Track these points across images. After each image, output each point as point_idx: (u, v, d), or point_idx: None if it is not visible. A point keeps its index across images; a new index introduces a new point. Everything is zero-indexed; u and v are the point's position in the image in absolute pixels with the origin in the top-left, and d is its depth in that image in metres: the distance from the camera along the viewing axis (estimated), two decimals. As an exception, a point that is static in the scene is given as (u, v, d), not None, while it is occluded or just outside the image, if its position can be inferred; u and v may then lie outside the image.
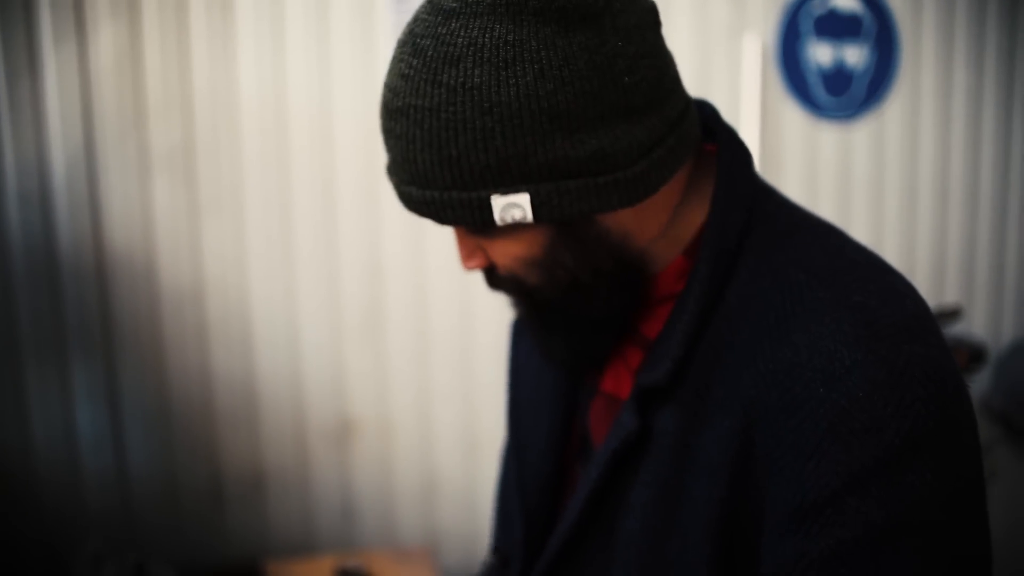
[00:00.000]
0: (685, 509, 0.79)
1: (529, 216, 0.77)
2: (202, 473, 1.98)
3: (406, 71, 0.79)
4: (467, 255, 0.87)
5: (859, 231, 2.34)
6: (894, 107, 2.32)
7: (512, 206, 0.77)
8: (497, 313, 2.05)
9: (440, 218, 0.79)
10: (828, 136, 2.29)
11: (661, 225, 0.85)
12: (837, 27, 2.27)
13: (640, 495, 0.82)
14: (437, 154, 0.77)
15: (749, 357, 0.77)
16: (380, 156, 1.99)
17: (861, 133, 2.31)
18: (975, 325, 2.44)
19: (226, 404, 1.98)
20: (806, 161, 2.28)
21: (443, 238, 2.04)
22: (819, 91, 2.27)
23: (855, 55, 2.28)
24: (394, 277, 2.03)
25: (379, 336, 2.04)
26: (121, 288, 1.89)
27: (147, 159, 1.88)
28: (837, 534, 0.71)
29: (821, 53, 2.26)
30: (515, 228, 0.80)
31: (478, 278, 2.05)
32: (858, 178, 2.32)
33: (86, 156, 1.85)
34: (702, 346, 0.80)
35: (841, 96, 2.28)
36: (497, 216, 0.77)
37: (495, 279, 0.88)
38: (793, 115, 2.25)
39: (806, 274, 0.79)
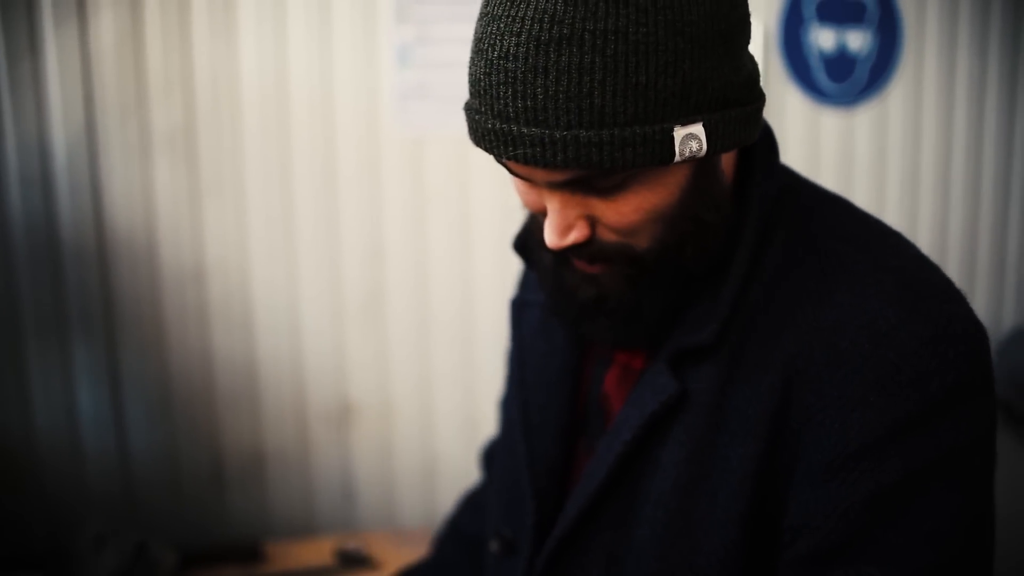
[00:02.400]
0: (716, 468, 0.81)
1: (704, 147, 0.73)
2: (203, 454, 1.99)
3: None
4: (566, 227, 0.78)
5: (860, 217, 2.34)
6: (897, 93, 2.32)
7: (690, 137, 0.73)
8: (498, 296, 2.05)
9: (615, 160, 0.71)
10: (830, 122, 2.28)
11: (731, 177, 0.86)
12: (840, 12, 2.26)
13: (672, 454, 0.83)
14: (623, 82, 0.69)
15: (788, 318, 0.80)
16: (382, 138, 1.99)
17: (863, 119, 2.30)
18: (976, 312, 2.43)
19: (227, 386, 1.98)
20: (808, 147, 2.27)
21: (445, 220, 2.04)
22: (821, 76, 2.26)
23: (858, 40, 2.28)
24: (395, 259, 2.04)
25: (380, 319, 2.05)
26: (122, 269, 1.90)
27: (148, 140, 1.88)
28: (877, 479, 0.75)
29: (823, 38, 2.25)
30: (656, 174, 0.75)
31: (479, 261, 2.05)
32: (860, 164, 2.32)
33: (87, 137, 1.85)
34: (739, 309, 0.83)
35: (843, 82, 2.28)
36: (677, 150, 0.72)
37: (593, 251, 0.81)
38: (795, 100, 2.24)
39: (843, 243, 0.82)
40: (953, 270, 2.43)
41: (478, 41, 0.75)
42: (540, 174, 0.76)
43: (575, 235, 0.78)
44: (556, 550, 0.91)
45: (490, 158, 2.16)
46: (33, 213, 1.83)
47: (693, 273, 0.83)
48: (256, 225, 1.96)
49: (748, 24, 0.78)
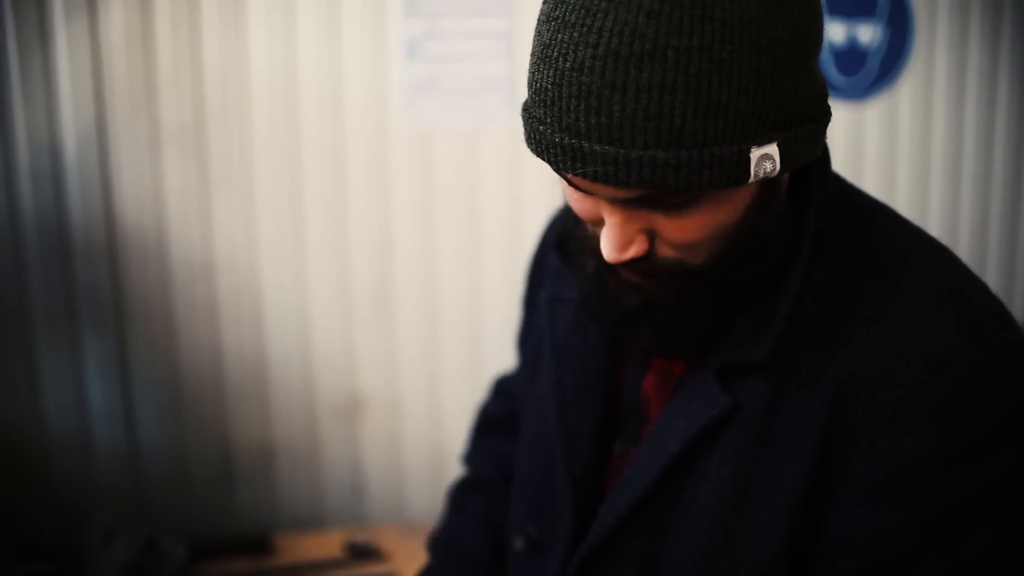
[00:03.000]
0: (763, 483, 0.80)
1: (778, 167, 0.71)
2: (212, 448, 1.99)
3: (654, 7, 0.65)
4: (626, 243, 0.75)
5: (870, 211, 2.33)
6: (907, 86, 2.30)
7: (766, 158, 0.70)
8: (507, 291, 2.05)
9: (690, 181, 0.68)
10: (840, 115, 2.27)
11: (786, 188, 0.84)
12: (850, 5, 2.25)
13: (719, 468, 0.82)
14: (705, 101, 0.66)
15: (842, 336, 0.78)
16: (392, 133, 1.99)
17: (873, 112, 2.29)
18: (986, 306, 2.43)
19: (236, 380, 1.99)
20: (818, 140, 2.26)
21: (454, 216, 2.04)
22: (831, 70, 2.25)
23: (868, 33, 2.26)
24: (404, 254, 2.04)
25: (389, 314, 2.05)
26: (132, 264, 1.90)
27: (158, 135, 1.89)
28: (927, 505, 0.73)
29: (834, 31, 2.24)
30: (725, 193, 0.73)
31: (488, 255, 2.05)
32: (870, 157, 2.31)
33: (97, 133, 1.85)
34: (792, 324, 0.81)
35: (854, 75, 2.27)
36: (752, 171, 0.69)
37: (648, 267, 0.78)
38: (805, 94, 2.23)
39: (897, 258, 0.80)
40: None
41: (546, 47, 0.70)
42: (605, 191, 0.73)
43: (635, 250, 0.75)
44: (590, 555, 0.90)
45: (505, 154, 2.15)
46: (43, 208, 1.84)
47: (746, 286, 0.81)
48: (265, 220, 1.96)
49: (822, 36, 0.75)
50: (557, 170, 0.73)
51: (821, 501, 0.78)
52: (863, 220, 0.85)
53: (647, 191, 0.71)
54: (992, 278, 2.44)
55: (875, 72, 2.28)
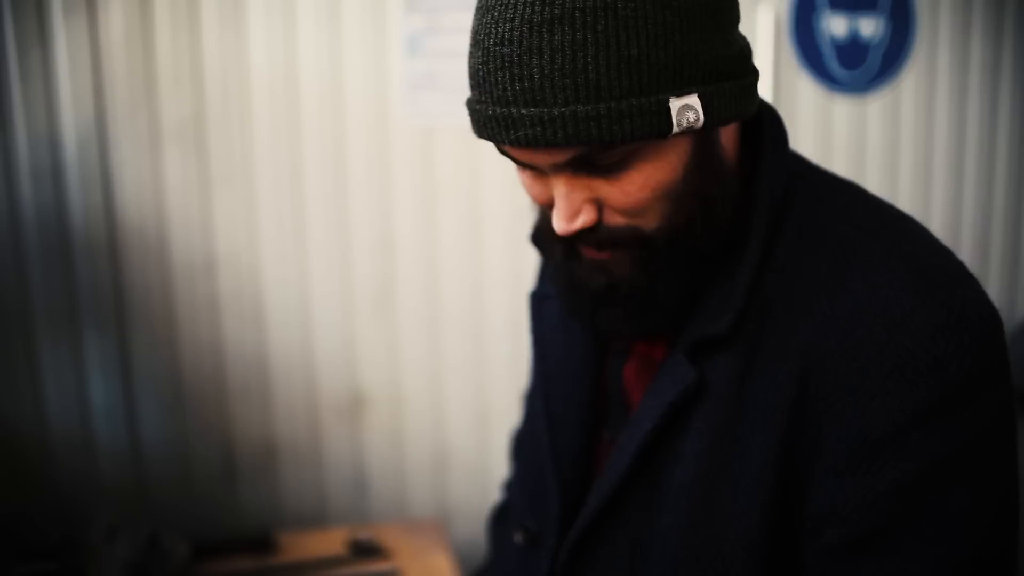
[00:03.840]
0: (737, 457, 0.81)
1: (702, 118, 0.74)
2: (214, 446, 1.99)
3: None
4: (574, 212, 0.79)
5: (873, 205, 2.32)
6: (910, 80, 2.30)
7: (687, 108, 0.74)
8: (509, 286, 2.05)
9: (613, 133, 0.72)
10: (842, 109, 2.27)
11: (734, 159, 0.86)
12: (852, -1, 2.25)
13: (693, 444, 0.83)
14: (615, 56, 0.71)
15: (804, 307, 0.80)
16: (393, 128, 1.99)
17: (876, 106, 2.29)
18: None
19: (238, 377, 1.99)
20: (820, 135, 2.26)
21: (456, 212, 2.03)
22: (833, 64, 2.24)
23: (870, 27, 2.26)
24: (406, 250, 2.03)
25: (391, 310, 2.05)
26: (133, 262, 1.90)
27: (158, 132, 1.88)
28: (902, 467, 0.75)
29: (836, 25, 2.24)
30: (656, 150, 0.76)
31: (490, 252, 2.05)
32: (872, 152, 2.30)
33: (97, 130, 1.85)
34: (754, 299, 0.82)
35: (856, 69, 2.26)
36: (674, 121, 0.73)
37: (602, 236, 0.81)
38: (807, 88, 2.23)
39: (856, 229, 0.82)
40: (966, 258, 2.40)
41: (475, 34, 0.76)
42: (542, 157, 0.77)
43: (583, 219, 0.79)
44: (579, 540, 0.92)
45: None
46: (44, 206, 1.84)
47: (705, 254, 0.83)
48: (266, 217, 1.96)
49: (736, 3, 0.80)
50: (498, 146, 0.77)
51: (797, 472, 0.79)
52: (823, 196, 0.87)
53: (579, 150, 0.74)
54: (995, 271, 2.44)
55: (877, 66, 2.28)
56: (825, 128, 2.26)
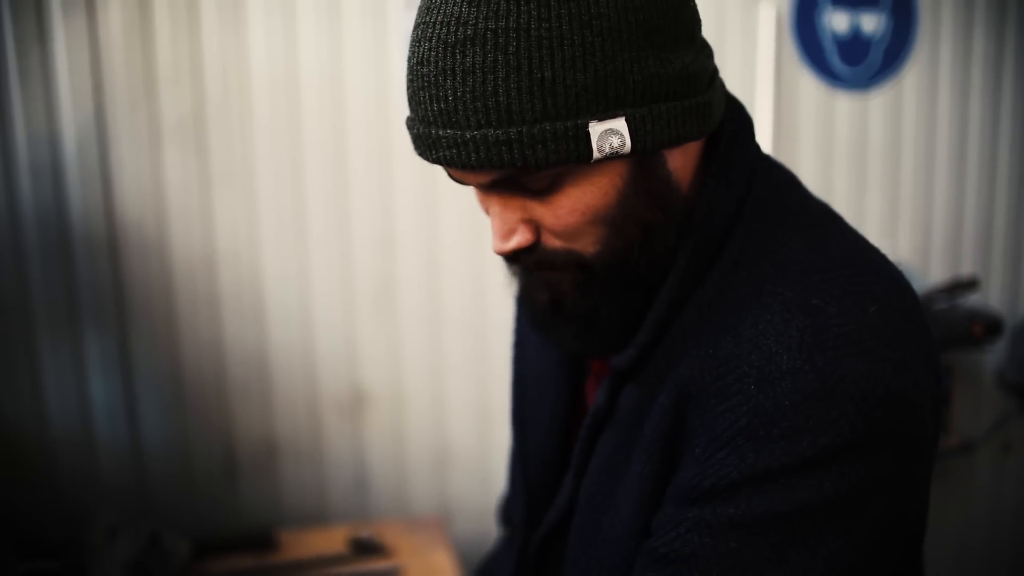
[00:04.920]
0: (623, 484, 0.80)
1: (628, 144, 0.71)
2: (215, 444, 1.99)
3: None
4: (508, 231, 0.77)
5: (875, 202, 2.32)
6: (912, 76, 2.29)
7: (610, 133, 0.70)
8: (510, 286, 2.04)
9: (526, 159, 0.70)
10: (844, 106, 2.26)
11: (689, 181, 0.81)
12: (854, -6, 2.24)
13: (592, 466, 0.84)
14: (527, 79, 0.68)
15: (693, 342, 0.77)
16: (393, 126, 1.98)
17: (877, 102, 2.28)
18: (991, 297, 2.42)
19: (239, 375, 1.98)
20: (821, 131, 2.25)
21: (457, 209, 2.03)
22: (835, 60, 2.24)
23: (872, 23, 2.25)
24: (407, 247, 2.03)
25: (392, 307, 2.04)
26: (133, 259, 1.89)
27: (158, 130, 1.88)
28: (719, 510, 0.72)
29: (837, 21, 2.23)
30: (587, 174, 0.73)
31: (491, 250, 2.04)
32: (874, 148, 2.30)
33: (97, 127, 1.84)
34: (673, 329, 0.80)
35: (858, 65, 2.26)
36: (595, 146, 0.70)
37: (540, 258, 0.79)
38: (808, 84, 2.22)
39: (775, 268, 0.77)
40: (968, 255, 2.41)
41: (408, 52, 0.76)
42: (470, 177, 0.75)
43: (517, 239, 0.77)
44: (541, 545, 0.94)
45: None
46: (43, 203, 1.83)
47: (647, 279, 0.80)
48: (267, 214, 1.95)
49: (683, 18, 0.75)
50: (427, 160, 0.75)
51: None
52: (768, 227, 0.81)
53: (499, 173, 0.72)
54: (997, 267, 2.43)
55: (879, 62, 2.27)
56: (827, 124, 2.26)
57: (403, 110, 1.97)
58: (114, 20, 1.83)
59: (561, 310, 0.82)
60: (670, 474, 0.77)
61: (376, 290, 2.03)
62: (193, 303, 1.94)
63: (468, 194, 2.03)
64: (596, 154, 0.70)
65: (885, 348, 0.72)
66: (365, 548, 1.79)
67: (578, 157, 0.70)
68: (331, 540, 1.84)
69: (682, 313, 0.79)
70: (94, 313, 1.88)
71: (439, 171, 2.01)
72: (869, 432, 0.70)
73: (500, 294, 2.06)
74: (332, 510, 2.07)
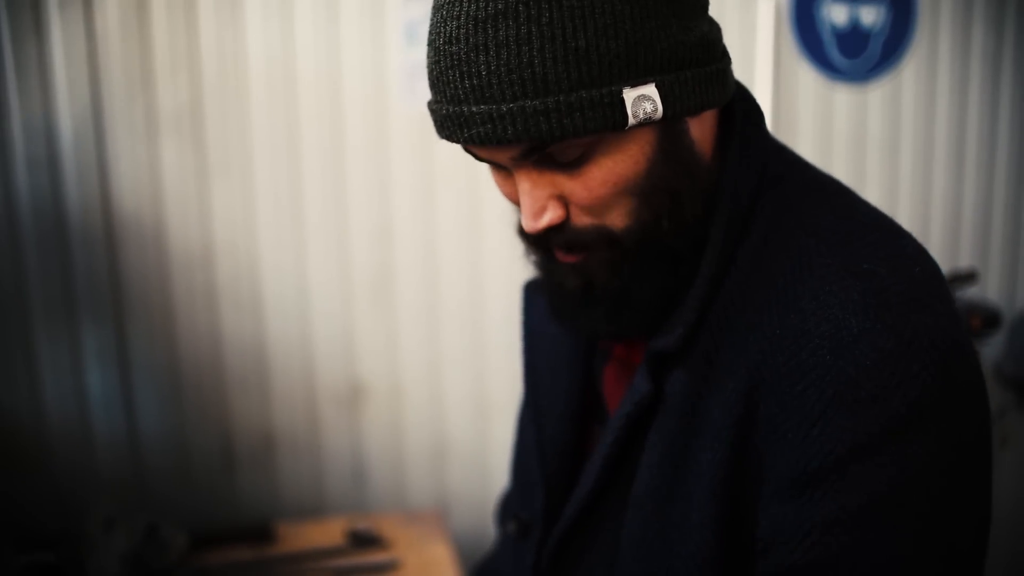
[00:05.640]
0: (691, 472, 0.79)
1: (660, 109, 0.72)
2: (213, 436, 1.98)
3: None
4: (540, 209, 0.77)
5: (873, 194, 2.32)
6: (910, 68, 2.29)
7: (643, 99, 0.71)
8: (508, 276, 2.04)
9: (564, 128, 0.70)
10: (843, 98, 2.26)
11: (710, 153, 0.82)
12: (853, -13, 2.23)
13: (648, 458, 0.82)
14: (562, 48, 0.69)
15: (756, 321, 0.77)
16: (391, 117, 1.98)
17: (876, 95, 2.28)
18: (990, 290, 2.42)
19: (236, 367, 1.98)
20: (820, 123, 2.25)
21: (454, 201, 2.03)
22: (834, 52, 2.23)
23: (871, 15, 2.25)
24: (404, 239, 2.03)
25: (389, 299, 2.04)
26: (130, 251, 1.89)
27: (155, 121, 1.87)
28: (840, 500, 0.71)
29: (836, 13, 2.23)
30: (618, 143, 0.74)
31: (489, 241, 2.04)
32: (873, 141, 2.30)
33: (93, 118, 1.84)
34: (714, 309, 0.79)
35: (856, 57, 2.25)
36: (629, 112, 0.71)
37: (569, 237, 0.79)
38: (807, 77, 2.22)
39: (815, 238, 0.77)
40: (966, 248, 2.41)
41: (429, 34, 0.75)
42: (500, 154, 0.76)
43: (549, 216, 0.77)
44: (561, 541, 0.91)
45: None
46: (40, 195, 1.83)
47: (677, 252, 0.80)
48: (264, 205, 1.95)
49: None
50: (456, 142, 0.76)
51: (747, 491, 0.77)
52: (794, 198, 0.82)
53: (530, 143, 0.72)
54: (995, 259, 2.43)
55: (878, 54, 2.27)
56: (826, 117, 2.25)
57: (401, 102, 1.97)
58: (111, 11, 1.82)
59: (591, 293, 0.81)
60: (742, 460, 0.76)
61: (374, 282, 2.03)
62: (190, 295, 1.94)
63: (465, 186, 2.02)
64: (631, 120, 0.71)
65: (939, 303, 0.74)
66: (363, 540, 1.79)
67: (614, 124, 0.71)
68: (329, 532, 1.84)
69: (721, 291, 0.79)
70: (91, 305, 1.88)
71: (436, 163, 2.00)
72: (948, 384, 0.71)
73: (498, 286, 2.06)
74: (330, 502, 2.07)
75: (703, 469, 0.78)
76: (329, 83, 1.94)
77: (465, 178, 2.03)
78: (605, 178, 0.75)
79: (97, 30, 1.82)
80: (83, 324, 1.88)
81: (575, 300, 0.83)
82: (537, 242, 0.82)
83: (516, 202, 0.82)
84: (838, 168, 2.28)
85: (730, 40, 2.12)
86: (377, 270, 2.02)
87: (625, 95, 0.71)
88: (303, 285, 1.99)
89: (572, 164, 0.75)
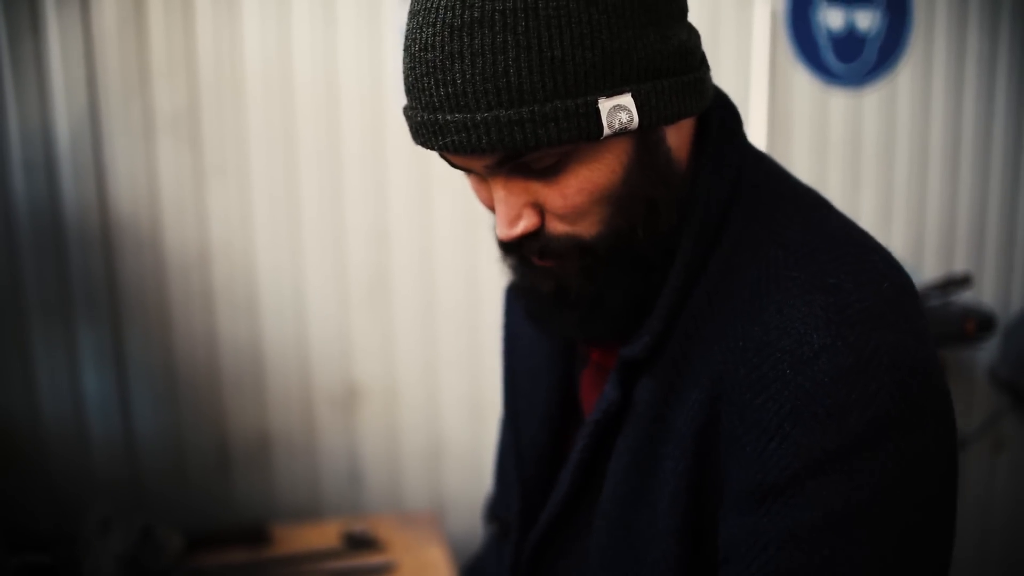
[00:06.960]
0: (656, 480, 0.79)
1: (635, 119, 0.72)
2: (209, 438, 1.98)
3: None
4: (515, 217, 0.77)
5: (868, 198, 2.32)
6: (906, 73, 2.29)
7: (619, 109, 0.71)
8: (503, 279, 2.04)
9: (538, 137, 0.70)
10: (838, 102, 2.26)
11: (685, 162, 0.82)
12: (849, -9, 2.24)
13: (615, 464, 0.82)
14: (537, 58, 0.69)
15: (722, 331, 0.76)
16: (387, 120, 1.98)
17: (872, 99, 2.28)
18: (984, 294, 2.43)
19: (232, 369, 1.98)
20: (816, 128, 2.26)
21: (450, 203, 2.03)
22: (829, 57, 2.24)
23: (867, 19, 2.25)
24: (401, 241, 2.03)
25: (386, 301, 2.04)
26: (127, 253, 1.89)
27: (152, 123, 1.87)
28: (795, 516, 0.70)
29: (832, 17, 2.23)
30: (593, 152, 0.74)
31: (484, 243, 2.04)
32: (868, 145, 2.30)
33: (90, 120, 1.84)
34: (683, 317, 0.79)
35: (852, 62, 2.26)
36: (604, 122, 0.71)
37: (544, 245, 0.79)
38: (803, 81, 2.22)
39: (784, 250, 0.77)
40: (961, 252, 2.42)
41: (404, 40, 0.75)
42: (475, 162, 0.75)
43: (524, 224, 0.77)
44: (538, 545, 0.92)
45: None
46: (37, 197, 1.83)
47: (651, 260, 0.80)
48: (261, 208, 1.95)
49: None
50: (431, 149, 0.75)
51: (708, 500, 0.77)
52: (766, 208, 0.81)
53: (505, 152, 0.72)
54: (990, 263, 2.44)
55: (873, 59, 2.27)
56: (821, 121, 2.26)
57: (397, 104, 1.97)
58: (108, 13, 1.82)
59: (565, 297, 0.81)
60: (704, 470, 0.76)
61: (370, 284, 2.03)
62: (186, 296, 1.94)
63: (462, 188, 2.03)
64: (606, 130, 0.71)
65: (904, 321, 0.73)
66: (358, 542, 1.79)
67: (589, 134, 0.71)
68: (324, 534, 1.84)
69: (690, 300, 0.79)
70: (87, 306, 1.88)
71: (433, 165, 2.00)
72: (907, 404, 0.70)
73: (493, 288, 2.06)
74: (325, 504, 2.07)
75: (667, 478, 0.78)
76: (326, 85, 1.95)
77: (461, 180, 2.02)
78: (581, 186, 0.75)
79: (94, 31, 1.82)
80: (79, 325, 1.88)
81: (549, 303, 0.83)
82: (512, 248, 0.82)
83: (492, 208, 0.81)
84: (833, 172, 2.28)
85: (726, 44, 2.14)
86: (373, 272, 2.03)
87: (601, 105, 0.70)
88: (299, 287, 1.99)
89: (547, 172, 0.75)
